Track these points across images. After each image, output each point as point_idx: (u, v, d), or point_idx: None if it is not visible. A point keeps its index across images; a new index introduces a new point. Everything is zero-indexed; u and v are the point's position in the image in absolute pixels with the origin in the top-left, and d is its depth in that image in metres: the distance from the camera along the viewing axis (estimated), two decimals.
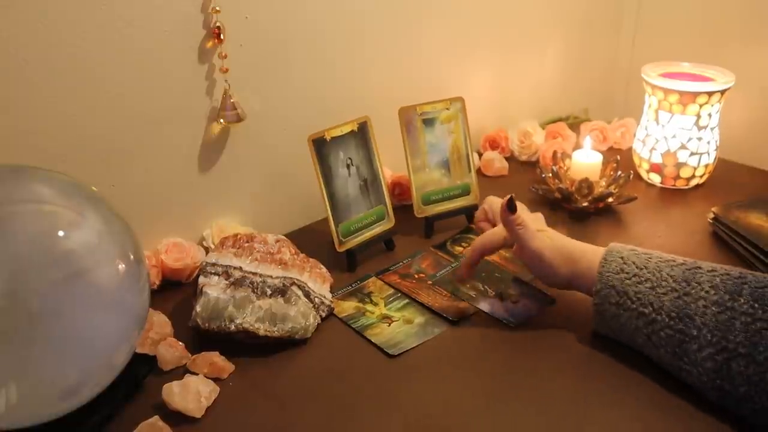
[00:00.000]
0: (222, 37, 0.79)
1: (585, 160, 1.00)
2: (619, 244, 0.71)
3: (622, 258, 0.68)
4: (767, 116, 1.19)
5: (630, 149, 1.14)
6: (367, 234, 0.87)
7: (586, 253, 0.72)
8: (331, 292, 0.80)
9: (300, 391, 0.66)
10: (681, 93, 0.99)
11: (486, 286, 0.81)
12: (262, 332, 0.70)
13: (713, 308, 0.61)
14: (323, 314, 0.76)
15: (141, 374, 0.66)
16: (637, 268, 0.67)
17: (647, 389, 0.65)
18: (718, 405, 0.62)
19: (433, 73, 1.07)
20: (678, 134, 1.02)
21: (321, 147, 0.82)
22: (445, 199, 0.94)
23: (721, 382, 0.60)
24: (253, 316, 0.70)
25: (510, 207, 0.72)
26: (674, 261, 0.67)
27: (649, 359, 0.67)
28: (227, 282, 0.73)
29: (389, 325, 0.75)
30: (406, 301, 0.79)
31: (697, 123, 1.01)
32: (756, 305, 0.59)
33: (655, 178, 1.07)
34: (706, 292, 0.62)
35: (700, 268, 0.65)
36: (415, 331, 0.74)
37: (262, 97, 0.87)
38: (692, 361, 0.62)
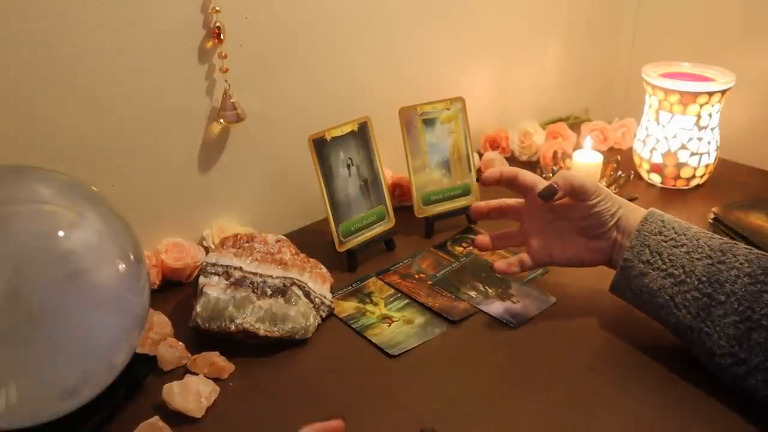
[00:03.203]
0: (222, 37, 0.79)
1: (585, 160, 1.00)
2: (659, 210, 0.71)
3: (662, 221, 0.69)
4: (767, 116, 1.19)
5: (630, 149, 1.14)
6: (368, 234, 0.87)
7: (624, 206, 0.72)
8: (332, 292, 0.80)
9: (300, 391, 0.66)
10: (681, 93, 0.99)
11: (486, 287, 0.81)
12: (262, 332, 0.70)
13: (745, 279, 0.62)
14: (323, 314, 0.76)
15: (141, 374, 0.66)
16: (675, 233, 0.68)
17: (648, 389, 0.65)
18: (722, 375, 0.63)
19: (433, 73, 1.07)
20: (678, 134, 1.02)
21: (321, 147, 0.82)
22: (446, 199, 0.94)
23: (738, 349, 0.61)
24: (253, 316, 0.70)
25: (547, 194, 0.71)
26: (713, 235, 0.67)
27: (664, 324, 0.68)
28: (227, 282, 0.73)
29: (389, 326, 0.75)
30: (407, 301, 0.79)
31: (697, 123, 1.01)
32: None
33: (656, 179, 1.07)
34: (741, 263, 0.63)
35: (737, 244, 0.66)
36: (415, 332, 0.74)
37: (262, 97, 0.87)
38: (714, 325, 0.63)
